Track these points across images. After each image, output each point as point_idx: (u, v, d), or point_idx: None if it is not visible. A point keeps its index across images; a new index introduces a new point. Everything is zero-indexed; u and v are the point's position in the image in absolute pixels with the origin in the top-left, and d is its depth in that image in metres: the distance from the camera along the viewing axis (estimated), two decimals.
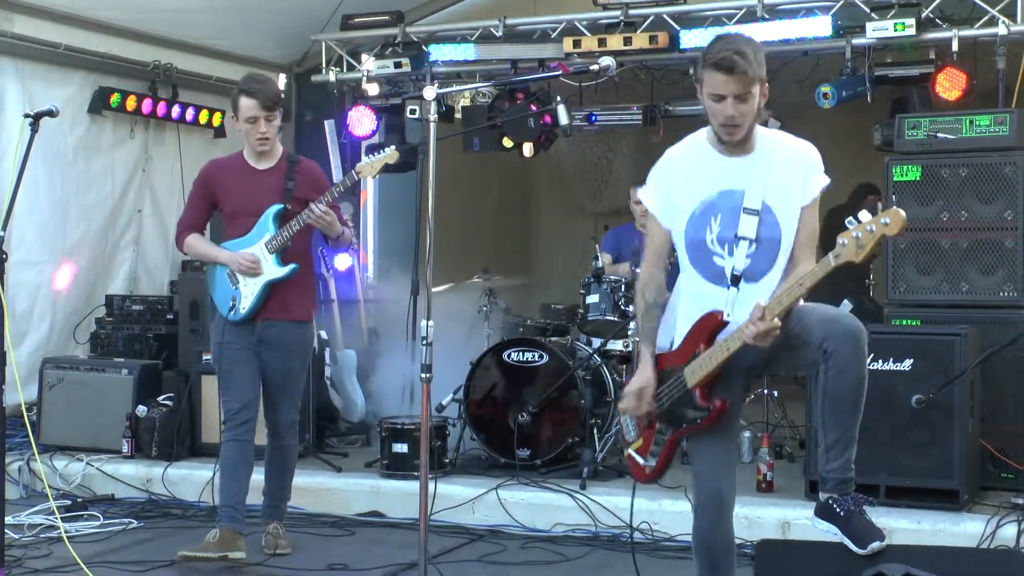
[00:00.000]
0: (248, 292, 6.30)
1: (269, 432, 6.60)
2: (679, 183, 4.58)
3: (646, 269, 4.77)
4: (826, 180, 4.50)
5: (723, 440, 4.69)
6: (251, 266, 6.25)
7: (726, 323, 4.44)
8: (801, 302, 4.35)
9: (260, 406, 6.52)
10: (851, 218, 4.09)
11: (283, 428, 6.56)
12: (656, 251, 4.72)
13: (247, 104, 6.23)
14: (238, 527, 6.35)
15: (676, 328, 4.63)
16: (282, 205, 6.27)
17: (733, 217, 4.47)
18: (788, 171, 4.49)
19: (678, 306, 4.65)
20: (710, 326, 4.48)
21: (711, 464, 4.68)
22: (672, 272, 4.69)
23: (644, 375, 4.63)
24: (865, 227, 4.06)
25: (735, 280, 4.47)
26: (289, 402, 6.53)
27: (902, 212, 4.02)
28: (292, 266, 6.29)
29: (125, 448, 8.23)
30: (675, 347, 4.61)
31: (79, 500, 7.70)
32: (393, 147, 6.28)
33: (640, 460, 4.75)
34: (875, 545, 4.49)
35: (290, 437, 6.61)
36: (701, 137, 4.61)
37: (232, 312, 6.30)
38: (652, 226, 4.70)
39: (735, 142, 4.46)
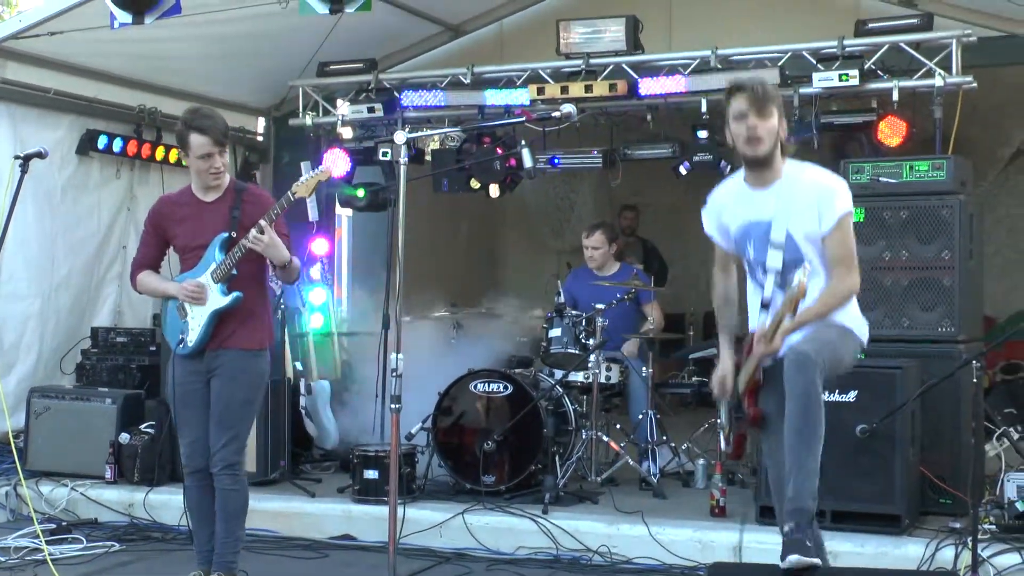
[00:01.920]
0: (195, 324, 5.82)
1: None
2: (722, 217, 4.98)
3: (714, 274, 5.17)
4: (845, 207, 4.76)
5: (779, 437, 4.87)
6: (195, 290, 5.77)
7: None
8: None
9: None
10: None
11: (215, 464, 5.82)
12: (719, 261, 5.13)
13: (200, 141, 5.74)
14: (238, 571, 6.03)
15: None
16: (227, 234, 5.79)
17: (763, 244, 4.79)
18: (807, 202, 4.74)
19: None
20: (749, 344, 4.87)
21: (772, 460, 4.93)
22: None
23: (724, 365, 5.00)
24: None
25: (764, 306, 4.82)
26: (225, 436, 5.80)
27: (803, 283, 4.47)
28: (235, 295, 5.76)
29: (108, 474, 8.16)
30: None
31: (63, 524, 7.60)
32: (327, 165, 5.94)
33: (723, 444, 5.59)
34: (792, 559, 4.49)
35: (224, 479, 5.83)
36: (737, 176, 4.96)
37: (181, 346, 5.87)
38: (717, 246, 5.11)
39: (760, 157, 4.73)
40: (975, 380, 6.14)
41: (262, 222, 5.64)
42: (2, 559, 6.74)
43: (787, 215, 4.74)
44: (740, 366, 4.94)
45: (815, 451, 4.57)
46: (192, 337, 5.86)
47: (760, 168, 4.80)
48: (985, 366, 8.00)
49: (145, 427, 8.32)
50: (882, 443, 6.49)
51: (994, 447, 7.17)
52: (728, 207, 4.95)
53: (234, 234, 5.80)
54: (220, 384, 5.85)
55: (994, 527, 6.41)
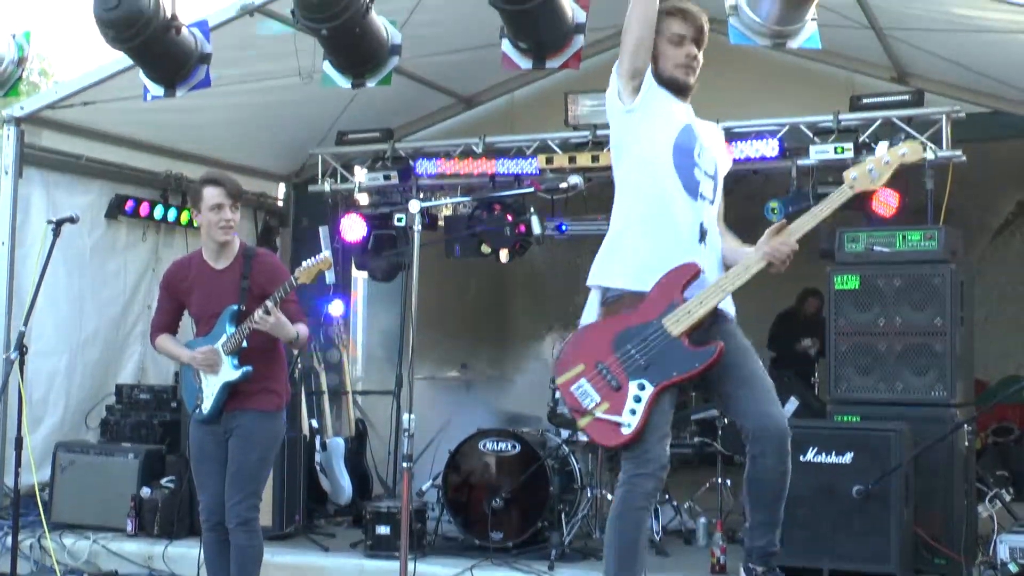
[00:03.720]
0: (209, 392, 5.81)
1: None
2: (661, 103, 4.43)
3: None
4: None
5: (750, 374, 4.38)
6: (208, 357, 5.76)
7: (700, 272, 4.27)
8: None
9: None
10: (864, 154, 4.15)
11: (231, 520, 5.76)
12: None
13: (212, 192, 5.74)
14: None
15: (634, 270, 4.37)
16: (237, 307, 5.77)
17: (690, 155, 4.38)
18: (717, 138, 4.59)
19: (636, 243, 4.41)
20: (685, 277, 4.25)
21: (756, 399, 4.35)
22: None
23: None
24: (880, 160, 4.04)
25: (703, 236, 4.36)
26: (240, 493, 5.75)
27: (920, 145, 4.04)
28: (244, 370, 5.73)
29: (129, 527, 8.13)
30: (638, 306, 4.29)
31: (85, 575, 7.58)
32: (327, 253, 5.90)
33: (616, 419, 4.18)
34: None
35: (240, 535, 5.77)
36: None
37: (197, 412, 5.88)
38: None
39: (691, 87, 4.47)
40: (967, 443, 6.14)
41: (268, 303, 5.62)
42: None
43: (711, 144, 4.47)
44: (654, 311, 4.25)
45: (782, 510, 4.54)
46: (206, 405, 5.84)
47: (681, 96, 4.50)
48: (977, 429, 7.99)
49: (166, 481, 8.31)
50: (877, 504, 6.45)
51: (987, 508, 7.13)
52: (667, 101, 4.45)
53: (243, 307, 5.77)
54: (236, 443, 5.81)
55: None
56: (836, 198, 4.17)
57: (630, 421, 4.20)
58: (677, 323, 4.21)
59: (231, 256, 5.90)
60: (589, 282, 4.54)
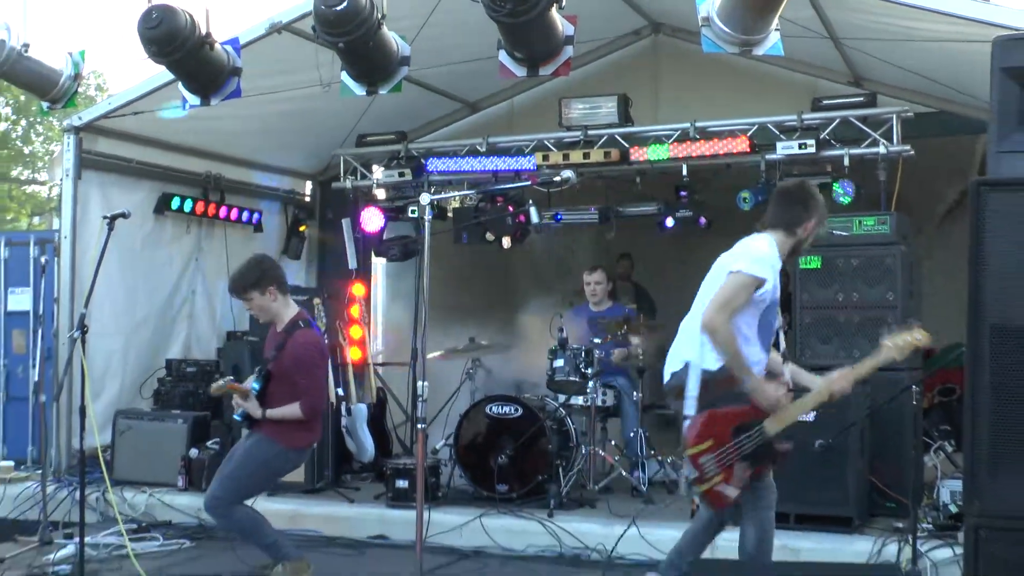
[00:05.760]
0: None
1: None
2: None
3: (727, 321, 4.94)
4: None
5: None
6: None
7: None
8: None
9: None
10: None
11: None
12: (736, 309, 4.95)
13: None
14: (294, 554, 6.02)
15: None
16: (264, 368, 6.10)
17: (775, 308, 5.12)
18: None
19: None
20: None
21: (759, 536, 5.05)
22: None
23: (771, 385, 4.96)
24: (909, 343, 4.94)
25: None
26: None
27: (928, 336, 4.88)
28: (240, 412, 6.19)
29: (180, 483, 8.25)
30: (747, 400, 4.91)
31: (143, 524, 7.69)
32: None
33: (726, 490, 4.86)
34: None
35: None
36: (772, 243, 5.08)
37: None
38: (746, 293, 4.91)
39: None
40: (915, 402, 6.22)
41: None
42: (93, 553, 6.85)
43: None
44: (761, 413, 4.93)
45: None
46: None
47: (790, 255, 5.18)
48: (924, 390, 8.06)
49: (211, 443, 8.42)
50: (836, 456, 6.55)
51: (932, 459, 7.21)
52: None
53: (270, 367, 6.04)
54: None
55: (931, 527, 6.47)
56: (874, 361, 5.03)
57: (734, 493, 4.89)
58: (773, 425, 4.90)
59: (282, 324, 6.14)
60: (682, 360, 5.15)
